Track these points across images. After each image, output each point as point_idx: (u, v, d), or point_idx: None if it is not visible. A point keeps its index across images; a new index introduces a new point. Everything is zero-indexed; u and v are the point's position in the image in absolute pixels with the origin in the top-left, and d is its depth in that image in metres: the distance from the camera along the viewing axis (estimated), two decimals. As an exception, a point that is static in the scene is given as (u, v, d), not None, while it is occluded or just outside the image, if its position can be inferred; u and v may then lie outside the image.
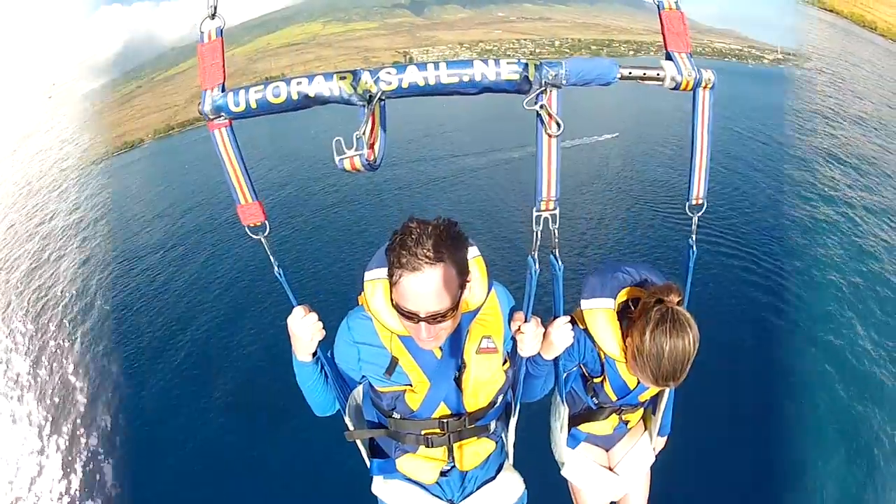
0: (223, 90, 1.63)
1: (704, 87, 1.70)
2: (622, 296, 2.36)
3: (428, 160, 37.95)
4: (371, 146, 1.62)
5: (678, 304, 2.09)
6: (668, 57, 1.65)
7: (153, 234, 31.96)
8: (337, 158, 1.57)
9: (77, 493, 13.76)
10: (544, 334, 2.02)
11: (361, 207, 29.71)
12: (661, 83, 1.65)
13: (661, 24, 1.66)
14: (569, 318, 2.07)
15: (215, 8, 1.62)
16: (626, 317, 2.30)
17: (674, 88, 1.66)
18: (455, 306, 1.82)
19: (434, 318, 1.79)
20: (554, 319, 2.04)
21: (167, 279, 24.73)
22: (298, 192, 33.70)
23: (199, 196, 37.79)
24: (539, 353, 2.07)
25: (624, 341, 2.27)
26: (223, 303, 21.48)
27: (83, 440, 15.38)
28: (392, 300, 1.87)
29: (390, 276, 1.80)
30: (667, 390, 2.58)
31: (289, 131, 51.50)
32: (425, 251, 1.70)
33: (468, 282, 1.89)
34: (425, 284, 1.72)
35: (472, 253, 2.00)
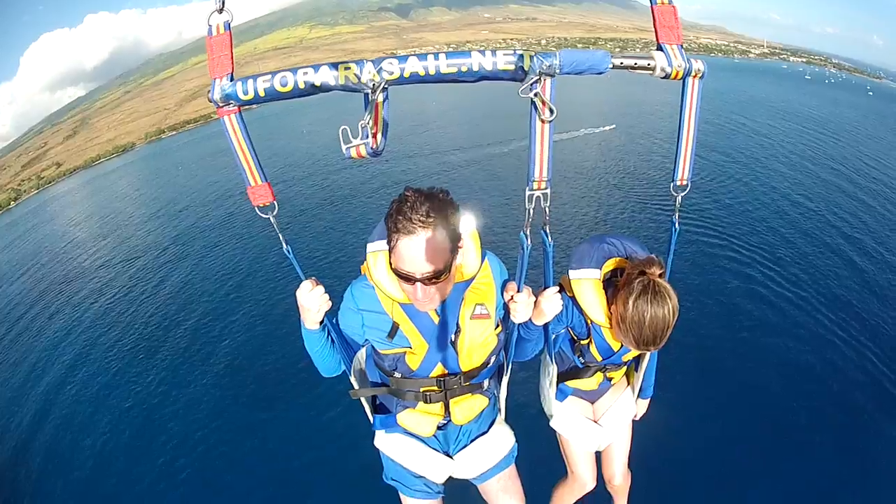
0: (232, 79, 1.70)
1: (694, 77, 1.76)
2: (607, 266, 2.51)
3: (420, 155, 38.60)
4: (374, 134, 1.68)
5: (659, 276, 2.22)
6: (660, 48, 1.71)
7: (151, 232, 32.46)
8: (344, 147, 1.64)
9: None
10: (535, 303, 2.15)
11: (357, 200, 30.42)
12: (651, 72, 1.70)
13: (654, 18, 1.70)
14: (557, 287, 2.20)
15: (223, 2, 1.68)
16: (612, 286, 2.45)
17: (664, 78, 1.71)
18: (448, 268, 1.94)
19: (429, 280, 1.91)
20: (544, 289, 2.16)
21: (167, 275, 25.17)
22: (295, 185, 34.01)
23: (194, 194, 38.41)
24: (530, 320, 2.20)
25: (609, 309, 2.42)
26: (221, 293, 22.00)
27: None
28: (391, 264, 1.98)
29: (388, 241, 1.91)
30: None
31: (279, 129, 51.62)
32: (419, 216, 1.80)
33: (460, 247, 1.99)
34: (420, 246, 1.83)
35: (468, 226, 2.10)
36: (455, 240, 1.92)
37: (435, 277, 1.91)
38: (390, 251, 1.93)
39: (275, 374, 15.46)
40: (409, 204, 1.81)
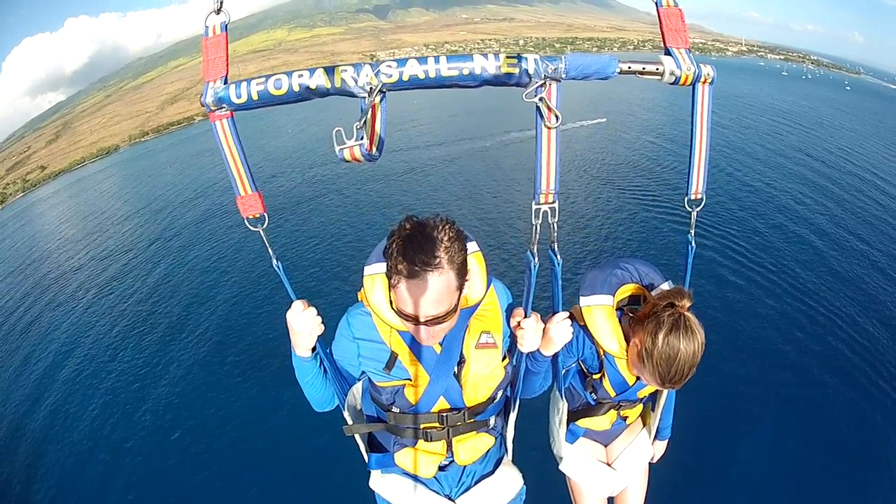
0: (225, 82, 1.63)
1: (704, 82, 1.70)
2: (621, 293, 2.36)
3: (405, 150, 38.82)
4: (371, 137, 1.60)
5: (688, 309, 2.09)
6: (668, 52, 1.66)
7: (140, 227, 32.58)
8: (337, 149, 1.55)
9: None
10: (543, 330, 2.01)
11: (345, 196, 30.53)
12: (660, 78, 1.64)
13: (660, 21, 1.66)
14: (567, 314, 2.07)
15: (221, 3, 1.62)
16: (627, 314, 2.32)
17: (673, 83, 1.66)
18: (455, 308, 1.81)
19: (434, 321, 1.77)
20: (553, 315, 2.04)
21: (156, 265, 25.62)
22: (289, 189, 33.79)
23: (182, 190, 38.50)
24: (538, 349, 2.06)
25: (626, 340, 2.26)
26: (209, 280, 22.51)
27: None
28: (392, 303, 1.85)
29: (389, 278, 1.76)
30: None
31: (265, 131, 51.20)
32: (424, 258, 1.65)
33: (467, 281, 1.86)
34: (424, 291, 1.69)
35: (471, 248, 1.97)
36: (462, 276, 1.78)
37: (441, 319, 1.78)
38: (391, 289, 1.79)
39: (264, 354, 15.88)
40: (411, 243, 1.67)
